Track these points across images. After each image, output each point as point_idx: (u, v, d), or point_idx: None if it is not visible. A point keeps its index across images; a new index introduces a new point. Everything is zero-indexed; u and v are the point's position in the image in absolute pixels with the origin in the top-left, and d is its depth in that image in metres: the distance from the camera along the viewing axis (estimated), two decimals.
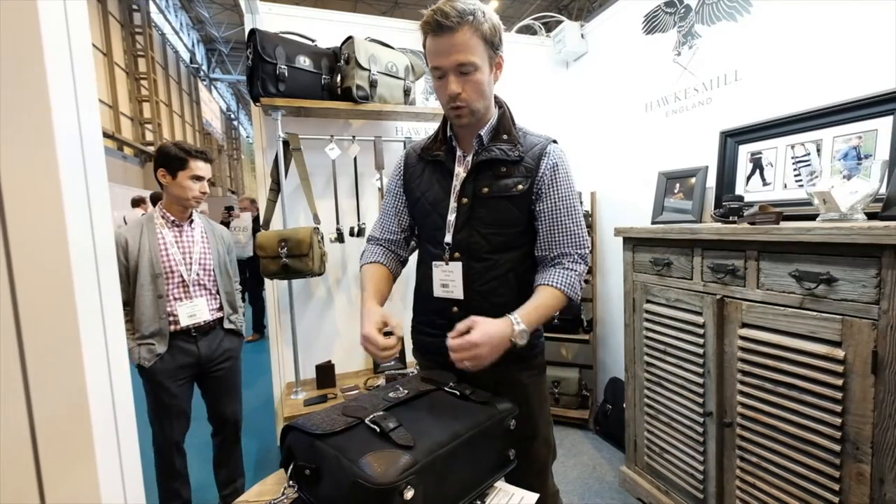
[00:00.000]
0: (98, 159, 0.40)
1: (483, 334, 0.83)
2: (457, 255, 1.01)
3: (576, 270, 0.98)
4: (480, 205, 1.00)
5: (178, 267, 1.56)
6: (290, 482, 0.72)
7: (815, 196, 1.22)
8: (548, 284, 0.96)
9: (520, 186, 0.98)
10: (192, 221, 1.64)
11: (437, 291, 1.05)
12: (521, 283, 1.02)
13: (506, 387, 0.99)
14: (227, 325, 1.69)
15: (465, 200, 1.00)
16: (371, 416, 0.73)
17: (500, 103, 1.05)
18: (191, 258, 1.60)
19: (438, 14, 0.87)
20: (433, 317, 1.07)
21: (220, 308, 1.68)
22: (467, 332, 0.84)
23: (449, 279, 1.03)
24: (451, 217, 1.02)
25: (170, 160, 1.53)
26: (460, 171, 1.03)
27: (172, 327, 1.55)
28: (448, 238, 1.02)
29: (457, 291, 1.02)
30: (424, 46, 0.95)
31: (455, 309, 1.03)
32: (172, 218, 1.59)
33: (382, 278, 1.07)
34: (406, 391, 0.85)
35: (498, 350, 0.85)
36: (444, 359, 1.05)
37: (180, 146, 1.56)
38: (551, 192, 0.99)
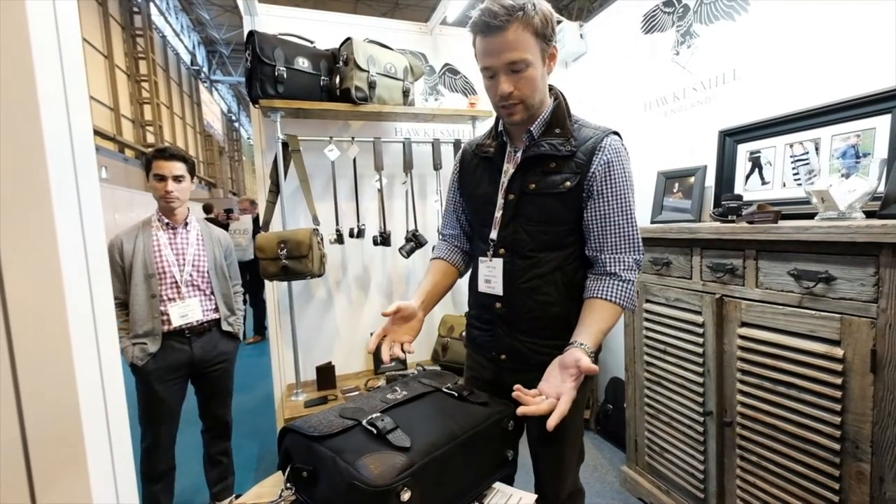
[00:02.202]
0: (89, 159, 0.40)
1: (571, 398, 0.78)
2: (501, 251, 1.00)
3: (632, 280, 0.93)
4: (527, 201, 0.97)
5: (171, 268, 1.60)
6: (288, 484, 0.72)
7: (814, 195, 1.21)
8: (605, 299, 0.91)
9: (567, 183, 0.93)
10: (187, 224, 1.67)
11: (482, 286, 1.05)
12: (568, 282, 0.98)
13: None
14: (224, 326, 1.71)
15: (511, 197, 0.98)
16: (368, 417, 0.73)
17: (555, 95, 1.00)
18: (184, 259, 1.63)
19: (486, 14, 0.84)
20: (481, 311, 1.07)
21: (216, 309, 1.69)
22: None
23: (491, 275, 1.02)
24: (498, 214, 1.01)
25: (144, 166, 1.60)
26: (509, 168, 1.00)
27: (165, 327, 1.57)
28: (493, 234, 1.01)
29: (497, 288, 1.01)
30: (474, 46, 0.92)
31: (499, 305, 1.02)
32: (166, 220, 1.63)
33: (439, 272, 1.09)
34: (404, 393, 0.85)
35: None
36: (487, 353, 1.07)
37: (151, 150, 1.61)
38: (604, 191, 0.93)
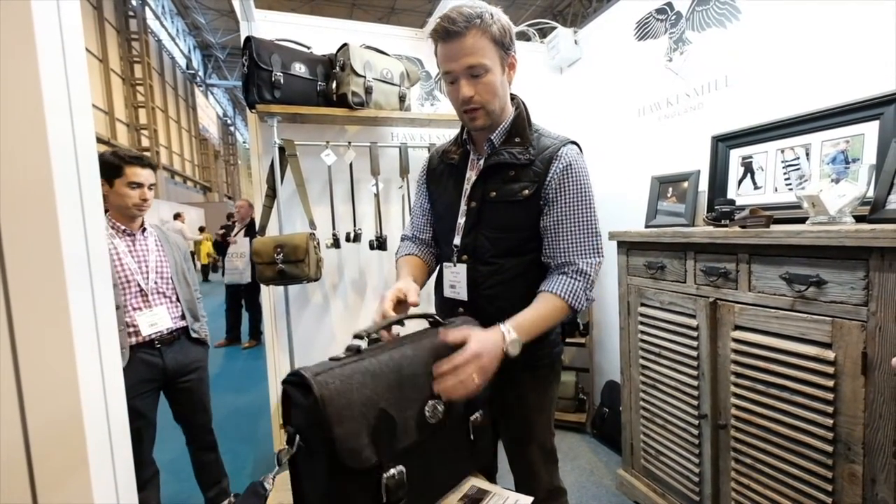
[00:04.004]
0: (91, 164, 0.41)
1: (480, 344, 0.77)
2: (464, 257, 1.03)
3: (579, 280, 0.93)
4: (488, 209, 1.00)
5: (135, 276, 1.52)
6: (288, 446, 0.65)
7: (805, 199, 1.23)
8: (548, 292, 0.93)
9: (525, 191, 0.96)
10: (144, 230, 1.61)
11: (447, 291, 1.07)
12: (529, 289, 0.99)
13: (506, 385, 0.99)
14: (192, 334, 1.65)
15: (473, 204, 1.01)
16: (389, 472, 0.64)
17: (517, 104, 1.04)
18: (147, 266, 1.56)
19: (446, 21, 0.88)
20: (445, 316, 1.08)
21: (183, 316, 1.64)
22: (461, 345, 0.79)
23: (456, 280, 1.04)
24: (461, 220, 1.03)
25: (105, 169, 1.49)
26: (472, 175, 1.04)
27: (134, 339, 1.50)
28: (457, 240, 1.04)
29: (462, 293, 1.03)
30: (436, 55, 0.96)
31: (461, 310, 1.03)
32: (123, 227, 1.55)
33: (416, 266, 1.08)
34: (441, 407, 0.73)
35: (495, 360, 0.80)
36: None
37: (116, 153, 1.52)
38: (558, 198, 0.96)
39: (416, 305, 0.88)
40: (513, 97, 1.04)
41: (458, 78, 0.92)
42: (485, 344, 0.79)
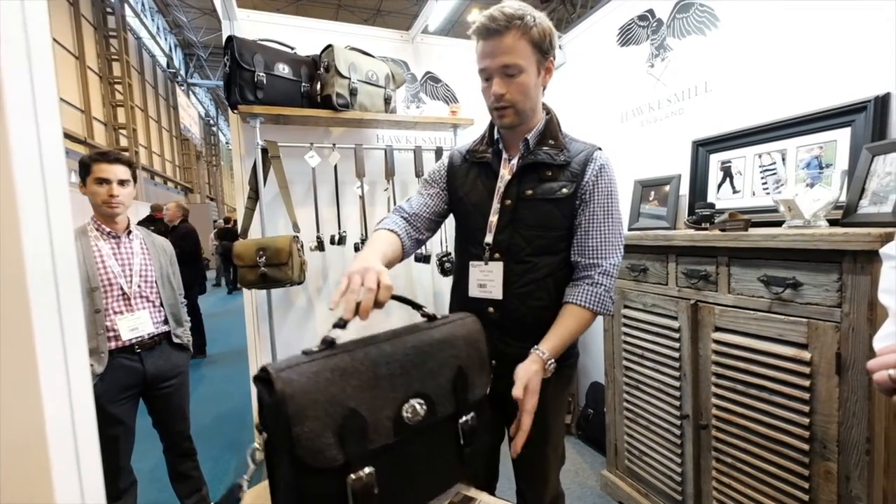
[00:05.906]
0: (58, 165, 0.39)
1: (535, 392, 0.87)
2: (497, 255, 1.02)
3: (603, 284, 0.97)
4: (524, 207, 1.00)
5: (118, 279, 1.50)
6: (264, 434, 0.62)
7: (781, 203, 1.26)
8: (575, 303, 0.97)
9: (564, 190, 0.98)
10: (129, 233, 1.58)
11: (473, 291, 1.05)
12: (560, 288, 1.02)
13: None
14: (174, 339, 1.63)
15: (508, 202, 1.01)
16: (357, 473, 0.61)
17: (547, 110, 1.06)
18: (130, 270, 1.54)
19: (488, 18, 0.90)
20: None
21: (166, 321, 1.61)
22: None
23: (487, 279, 1.03)
24: (494, 218, 1.02)
25: (80, 170, 1.49)
26: (505, 174, 1.03)
27: (113, 344, 1.47)
28: (489, 238, 1.03)
29: (495, 291, 1.02)
30: (477, 51, 0.97)
31: (491, 310, 1.03)
32: (108, 230, 1.53)
33: (391, 244, 0.98)
34: (423, 408, 0.69)
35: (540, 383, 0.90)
36: None
37: (90, 153, 1.51)
38: (593, 197, 0.99)
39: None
40: (543, 105, 1.05)
41: (492, 75, 0.94)
42: (534, 381, 0.88)
